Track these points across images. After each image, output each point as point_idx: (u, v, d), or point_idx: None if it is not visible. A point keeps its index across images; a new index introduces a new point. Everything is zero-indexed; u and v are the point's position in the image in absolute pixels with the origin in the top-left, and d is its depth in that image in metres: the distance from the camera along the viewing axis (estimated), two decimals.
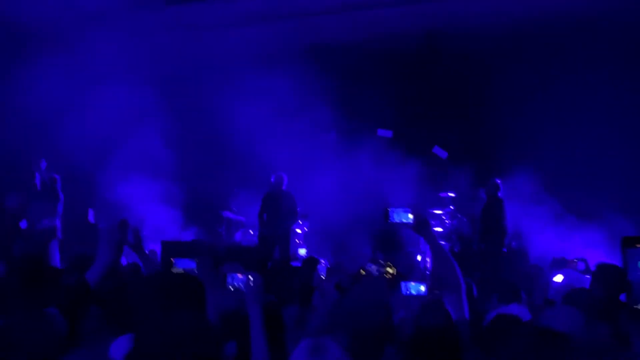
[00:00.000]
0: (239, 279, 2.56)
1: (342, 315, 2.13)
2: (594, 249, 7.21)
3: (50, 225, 7.57)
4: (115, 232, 2.49)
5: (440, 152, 8.75)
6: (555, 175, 8.04)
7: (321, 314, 2.72)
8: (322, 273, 5.48)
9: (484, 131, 8.58)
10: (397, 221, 2.57)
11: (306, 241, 8.90)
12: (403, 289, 2.74)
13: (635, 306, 2.34)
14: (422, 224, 2.59)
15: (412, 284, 2.77)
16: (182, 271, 2.70)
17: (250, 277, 2.48)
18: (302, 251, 8.62)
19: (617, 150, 7.97)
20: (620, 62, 8.01)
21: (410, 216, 2.57)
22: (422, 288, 2.73)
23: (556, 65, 8.42)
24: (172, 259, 2.76)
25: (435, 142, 8.82)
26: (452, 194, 8.76)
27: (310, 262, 5.00)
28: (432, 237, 2.62)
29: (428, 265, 7.57)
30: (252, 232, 9.19)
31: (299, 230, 8.82)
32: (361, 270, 5.13)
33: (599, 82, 7.92)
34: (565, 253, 7.15)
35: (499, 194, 7.55)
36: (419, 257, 8.13)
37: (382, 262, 5.52)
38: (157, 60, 9.33)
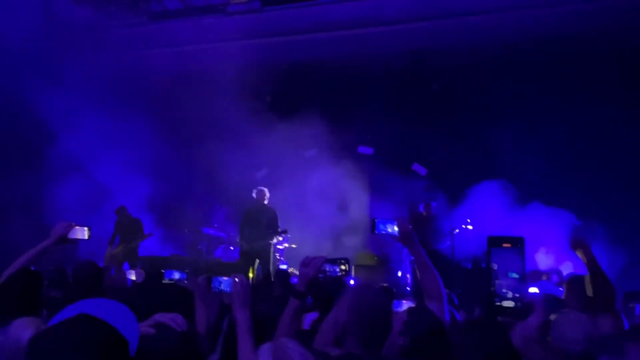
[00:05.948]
0: (224, 282, 2.54)
1: (350, 320, 2.15)
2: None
3: None
4: None
5: (420, 169, 8.88)
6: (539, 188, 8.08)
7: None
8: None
9: (468, 147, 8.60)
10: (383, 232, 2.62)
11: (287, 256, 8.89)
12: (396, 306, 2.81)
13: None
14: (408, 236, 2.63)
15: (404, 302, 2.86)
16: (172, 282, 2.70)
17: (236, 279, 2.43)
18: (284, 267, 8.59)
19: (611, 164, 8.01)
20: (610, 79, 8.01)
21: (396, 228, 2.62)
22: None
23: (542, 81, 8.44)
24: (162, 271, 2.76)
25: (417, 159, 8.92)
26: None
27: (282, 274, 5.17)
28: (417, 249, 2.63)
29: (409, 281, 7.63)
30: (232, 249, 9.14)
31: (280, 246, 8.80)
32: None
33: (587, 98, 7.94)
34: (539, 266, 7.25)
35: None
36: (399, 273, 8.18)
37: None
38: (138, 76, 9.32)
